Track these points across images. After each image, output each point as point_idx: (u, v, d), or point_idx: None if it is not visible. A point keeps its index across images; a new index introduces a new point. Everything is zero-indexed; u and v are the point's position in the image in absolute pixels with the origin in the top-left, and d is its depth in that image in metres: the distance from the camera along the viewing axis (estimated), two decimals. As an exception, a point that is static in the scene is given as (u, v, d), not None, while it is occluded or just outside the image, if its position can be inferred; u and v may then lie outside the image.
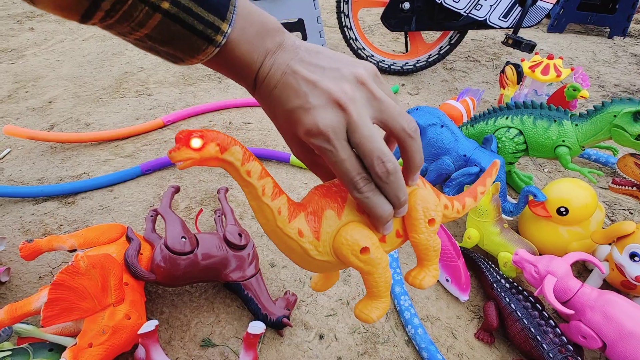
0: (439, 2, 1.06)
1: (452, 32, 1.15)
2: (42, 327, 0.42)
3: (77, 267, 0.44)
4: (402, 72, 1.25)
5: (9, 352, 0.43)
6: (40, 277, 0.61)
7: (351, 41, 1.21)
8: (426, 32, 1.49)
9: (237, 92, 1.16)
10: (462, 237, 0.71)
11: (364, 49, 1.22)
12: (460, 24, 1.10)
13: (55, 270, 0.62)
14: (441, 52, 1.19)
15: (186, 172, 0.83)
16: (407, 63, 1.23)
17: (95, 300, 0.44)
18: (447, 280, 0.62)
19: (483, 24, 1.08)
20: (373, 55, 1.23)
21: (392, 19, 1.13)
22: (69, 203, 0.74)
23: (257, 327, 0.45)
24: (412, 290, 0.63)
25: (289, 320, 0.55)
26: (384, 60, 1.24)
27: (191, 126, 0.99)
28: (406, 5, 1.09)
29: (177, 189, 0.66)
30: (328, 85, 0.22)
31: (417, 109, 0.77)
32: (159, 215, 0.60)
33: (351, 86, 0.23)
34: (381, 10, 1.20)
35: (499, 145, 0.72)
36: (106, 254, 0.47)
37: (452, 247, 0.63)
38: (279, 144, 0.93)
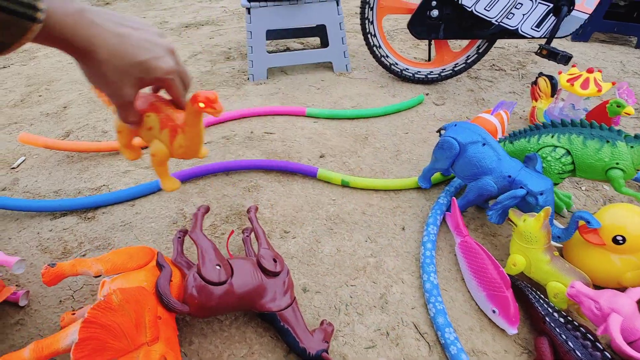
0: (470, 9, 1.02)
1: (480, 40, 1.11)
2: (71, 370, 0.38)
3: (110, 303, 0.40)
4: (426, 81, 1.21)
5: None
6: (60, 301, 0.57)
7: (374, 48, 1.17)
8: (453, 40, 1.45)
9: (257, 99, 1.13)
10: (503, 262, 0.67)
11: (387, 56, 1.18)
12: (491, 33, 1.06)
13: (77, 293, 0.58)
14: (468, 62, 1.16)
15: (209, 186, 0.79)
16: (431, 72, 1.19)
17: (129, 339, 0.40)
18: (493, 311, 0.58)
19: (514, 34, 1.04)
20: (397, 63, 1.19)
21: (419, 27, 1.09)
22: (88, 218, 0.71)
23: None
24: (455, 320, 0.59)
25: (328, 354, 0.51)
26: (407, 69, 1.20)
27: (211, 135, 0.95)
28: (434, 12, 1.05)
29: (207, 209, 0.62)
30: (162, 41, 0.37)
31: (455, 125, 0.73)
32: (186, 236, 0.56)
33: (169, 41, 0.38)
34: (405, 17, 1.17)
35: (544, 165, 0.68)
36: (140, 287, 0.43)
37: (499, 276, 0.59)
38: (303, 156, 0.89)
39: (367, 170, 0.86)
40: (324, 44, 1.45)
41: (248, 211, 0.65)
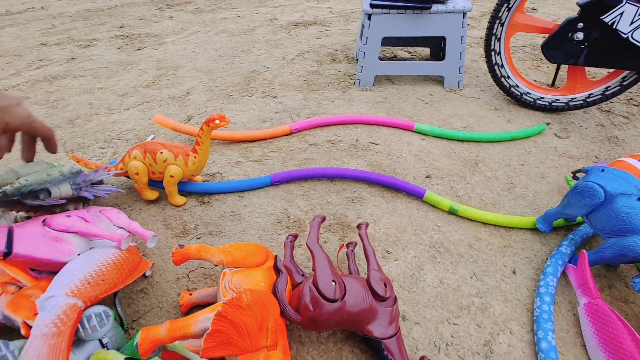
0: (625, 36, 0.89)
1: (627, 72, 0.97)
2: (202, 357, 0.40)
3: (241, 302, 0.42)
4: (548, 109, 1.09)
5: (162, 369, 0.42)
6: (178, 278, 0.62)
7: (496, 67, 1.08)
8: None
9: (362, 105, 1.12)
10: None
11: (509, 77, 1.09)
12: (645, 65, 0.91)
13: (192, 274, 0.62)
14: (606, 93, 1.01)
15: (313, 190, 0.80)
16: (557, 99, 1.07)
17: (252, 340, 0.41)
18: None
19: (676, 68, 0.89)
20: (518, 86, 1.09)
21: (557, 50, 0.98)
22: (204, 203, 0.76)
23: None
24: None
25: None
26: (529, 93, 1.09)
27: (316, 137, 0.96)
28: (579, 35, 0.94)
29: (323, 219, 0.62)
30: (12, 95, 0.51)
31: (602, 170, 0.63)
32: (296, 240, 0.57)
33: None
34: (537, 36, 1.06)
35: None
36: (268, 293, 0.44)
37: (638, 351, 0.50)
38: (409, 174, 0.85)
39: (476, 199, 0.80)
40: (434, 55, 1.38)
41: (358, 227, 0.64)
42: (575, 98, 1.05)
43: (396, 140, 0.96)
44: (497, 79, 1.10)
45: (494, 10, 1.02)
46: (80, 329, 0.41)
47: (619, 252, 0.59)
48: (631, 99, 1.23)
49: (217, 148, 0.92)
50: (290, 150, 0.91)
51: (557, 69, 1.10)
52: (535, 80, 1.28)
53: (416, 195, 0.78)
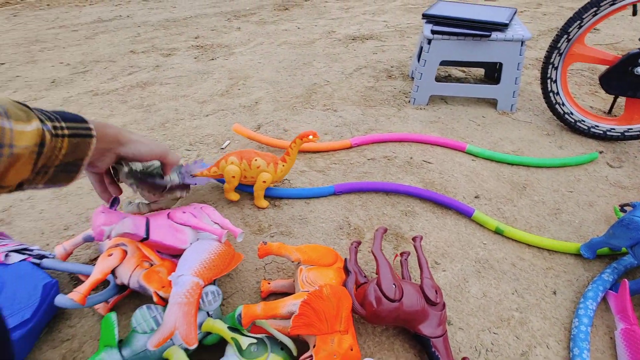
0: (689, 73, 0.90)
1: (690, 106, 0.98)
2: (291, 333, 0.51)
3: (322, 293, 0.53)
4: (603, 138, 1.11)
5: (255, 340, 0.54)
6: (256, 269, 0.74)
7: (551, 94, 1.12)
8: None
9: (416, 124, 1.19)
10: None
11: (563, 104, 1.12)
12: None
13: (268, 266, 0.74)
14: (665, 126, 1.02)
15: (371, 202, 0.89)
16: (613, 129, 1.09)
17: (329, 324, 0.52)
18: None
19: None
20: (572, 113, 1.12)
21: (615, 82, 1.00)
22: (276, 206, 0.88)
23: None
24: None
25: None
26: (583, 121, 1.12)
27: (374, 153, 1.06)
28: (639, 70, 0.96)
29: (385, 230, 0.72)
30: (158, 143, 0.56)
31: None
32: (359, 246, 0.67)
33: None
34: (596, 67, 1.08)
35: None
36: (342, 288, 0.55)
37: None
38: (459, 193, 0.93)
39: (522, 222, 0.86)
40: (489, 76, 1.43)
41: (414, 239, 0.73)
42: (631, 129, 1.07)
43: (448, 160, 1.03)
44: (551, 106, 1.13)
45: (553, 40, 1.06)
46: (200, 302, 0.54)
47: (661, 285, 0.64)
48: (695, 130, 1.20)
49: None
50: (350, 163, 1.02)
51: (615, 98, 1.12)
52: (591, 107, 1.29)
53: (465, 213, 0.85)
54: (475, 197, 0.92)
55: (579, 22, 1.00)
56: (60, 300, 0.57)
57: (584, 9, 0.99)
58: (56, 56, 1.72)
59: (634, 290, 0.68)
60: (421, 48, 1.23)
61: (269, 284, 0.68)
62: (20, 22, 2.22)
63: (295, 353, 0.56)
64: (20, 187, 0.36)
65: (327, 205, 0.88)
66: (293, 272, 0.71)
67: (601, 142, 1.12)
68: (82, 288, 0.58)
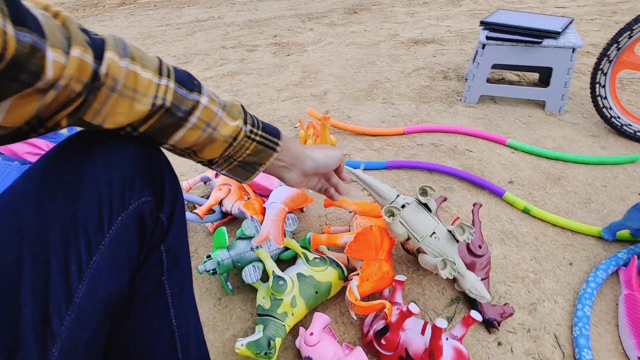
0: None
1: None
2: (345, 253, 0.72)
3: (371, 229, 0.72)
4: (649, 142, 1.16)
5: (318, 256, 0.76)
6: (319, 215, 0.96)
7: (599, 98, 1.20)
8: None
9: (464, 119, 1.33)
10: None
11: (610, 108, 1.19)
12: None
13: (329, 215, 0.96)
14: None
15: (416, 177, 1.07)
16: (660, 134, 1.14)
17: (374, 252, 0.71)
18: (638, 358, 0.66)
19: None
20: (619, 117, 1.19)
21: (661, 89, 1.06)
22: (337, 173, 1.09)
23: (477, 315, 0.61)
24: (596, 351, 0.69)
25: (499, 325, 0.70)
26: (630, 125, 1.18)
27: (423, 140, 1.22)
28: (686, 78, 1.02)
29: (445, 199, 0.88)
30: (334, 152, 0.56)
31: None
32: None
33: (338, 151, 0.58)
34: (649, 73, 1.14)
35: None
36: (385, 228, 0.74)
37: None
38: (494, 177, 1.06)
39: (550, 206, 0.98)
40: (543, 81, 1.51)
41: (474, 205, 0.85)
42: (679, 135, 1.11)
43: (488, 151, 1.16)
44: (599, 109, 1.21)
45: (604, 48, 1.14)
46: (285, 223, 0.77)
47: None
48: None
49: (347, 137, 1.25)
50: (402, 146, 1.20)
51: (669, 106, 1.16)
52: (646, 114, 1.33)
53: (497, 193, 0.99)
54: (509, 182, 1.05)
55: (629, 32, 1.08)
56: (189, 215, 0.83)
57: (635, 20, 1.07)
58: (164, 49, 2.11)
59: (644, 268, 0.78)
60: (477, 52, 1.36)
61: (329, 228, 0.89)
62: (135, 20, 2.70)
63: (346, 273, 0.76)
64: (210, 163, 0.43)
65: (379, 177, 1.07)
66: (348, 221, 0.91)
67: (647, 146, 1.18)
68: (203, 208, 0.84)
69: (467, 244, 0.76)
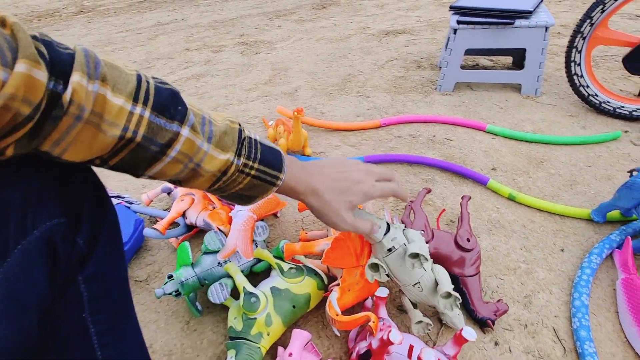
0: None
1: None
2: (322, 262, 0.65)
3: (349, 233, 0.65)
4: (629, 118, 1.14)
5: (294, 266, 0.68)
6: (295, 220, 0.88)
7: (575, 77, 1.17)
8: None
9: (441, 108, 1.29)
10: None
11: (588, 86, 1.17)
12: None
13: (305, 219, 0.88)
14: (692, 105, 1.04)
15: (396, 170, 1.01)
16: (638, 109, 1.12)
17: (355, 258, 0.64)
18: (644, 345, 0.62)
19: None
20: (597, 95, 1.16)
21: (638, 63, 1.04)
22: (312, 173, 1.02)
23: (471, 334, 0.52)
24: (597, 342, 0.64)
25: (493, 324, 0.64)
26: (609, 102, 1.16)
27: (401, 131, 1.17)
28: (661, 50, 0.99)
29: (429, 191, 0.83)
30: (359, 173, 0.49)
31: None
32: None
33: (364, 168, 0.51)
34: (620, 49, 1.12)
35: None
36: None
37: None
38: (476, 165, 1.01)
39: (536, 191, 0.93)
40: (517, 64, 1.48)
41: (462, 198, 0.81)
42: (657, 109, 1.09)
43: (468, 138, 1.12)
44: (575, 88, 1.18)
45: (577, 24, 1.12)
46: (254, 232, 0.69)
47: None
48: None
49: (322, 134, 1.18)
50: (379, 140, 1.14)
51: (644, 80, 1.14)
52: (621, 90, 1.31)
53: (480, 182, 0.94)
54: (492, 170, 1.00)
55: (601, 6, 1.05)
56: (147, 231, 0.74)
57: (606, -6, 1.04)
58: (125, 55, 1.99)
59: (637, 248, 0.74)
60: (448, 38, 1.32)
61: (307, 234, 0.82)
62: (94, 27, 2.56)
63: (326, 281, 0.69)
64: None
65: (357, 174, 1.01)
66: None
67: (626, 122, 1.15)
68: (163, 222, 0.75)
69: (455, 238, 0.70)
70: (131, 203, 0.85)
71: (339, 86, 1.48)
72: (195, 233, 0.84)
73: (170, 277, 0.66)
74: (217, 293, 0.62)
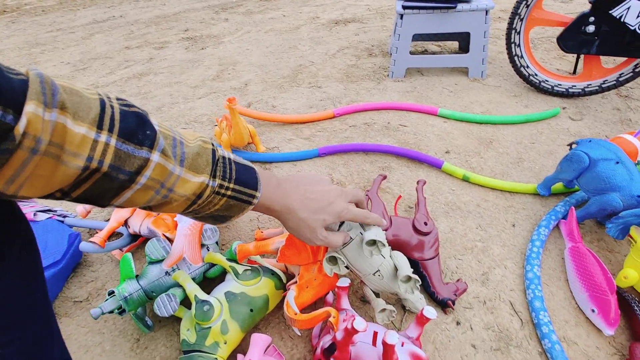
0: (633, 28, 0.99)
1: (638, 59, 1.07)
2: (277, 261, 0.62)
3: None
4: (566, 95, 1.20)
5: (250, 268, 0.64)
6: (251, 219, 0.84)
7: (515, 58, 1.21)
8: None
9: (394, 94, 1.29)
10: (615, 276, 0.71)
11: (528, 67, 1.21)
12: (653, 53, 1.01)
13: (261, 217, 0.85)
14: (620, 80, 1.11)
15: (352, 161, 0.99)
16: (574, 86, 1.18)
17: (311, 255, 0.62)
18: (592, 310, 0.65)
19: (683, 55, 0.98)
20: (536, 74, 1.21)
21: (571, 41, 1.09)
22: (266, 169, 0.98)
23: (431, 313, 0.52)
24: (551, 310, 0.67)
25: (454, 304, 0.65)
26: (547, 80, 1.21)
27: (355, 121, 1.15)
28: (590, 28, 1.05)
29: (385, 177, 0.81)
30: (333, 193, 0.49)
31: (590, 141, 0.77)
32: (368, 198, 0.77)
33: (337, 188, 0.51)
34: (555, 29, 1.17)
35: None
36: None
37: (605, 281, 0.65)
38: (431, 149, 1.02)
39: (487, 171, 0.96)
40: (463, 48, 1.52)
41: (418, 182, 0.81)
42: (591, 84, 1.16)
43: (422, 123, 1.13)
44: (517, 69, 1.23)
45: (514, 7, 1.15)
46: (201, 237, 0.65)
47: (600, 206, 0.73)
48: (653, 85, 1.29)
49: (274, 128, 1.14)
50: (333, 131, 1.12)
51: (577, 59, 1.21)
52: (558, 69, 1.38)
53: (435, 165, 0.95)
54: (446, 152, 1.01)
55: (535, -12, 1.09)
56: (84, 246, 0.67)
57: (538, -24, 1.08)
58: (57, 57, 1.82)
59: (581, 217, 0.77)
60: (396, 24, 1.32)
61: (262, 232, 0.78)
62: (19, 28, 2.32)
63: (284, 280, 0.66)
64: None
65: (313, 166, 0.98)
66: (282, 219, 0.81)
67: (564, 98, 1.22)
68: (102, 234, 0.69)
69: (413, 223, 0.70)
70: (65, 216, 0.77)
71: (290, 78, 1.44)
72: (141, 242, 0.77)
73: (111, 293, 0.60)
74: (165, 305, 0.57)
